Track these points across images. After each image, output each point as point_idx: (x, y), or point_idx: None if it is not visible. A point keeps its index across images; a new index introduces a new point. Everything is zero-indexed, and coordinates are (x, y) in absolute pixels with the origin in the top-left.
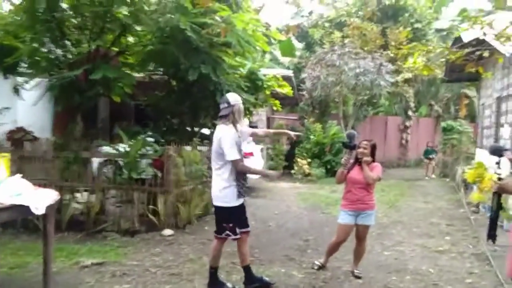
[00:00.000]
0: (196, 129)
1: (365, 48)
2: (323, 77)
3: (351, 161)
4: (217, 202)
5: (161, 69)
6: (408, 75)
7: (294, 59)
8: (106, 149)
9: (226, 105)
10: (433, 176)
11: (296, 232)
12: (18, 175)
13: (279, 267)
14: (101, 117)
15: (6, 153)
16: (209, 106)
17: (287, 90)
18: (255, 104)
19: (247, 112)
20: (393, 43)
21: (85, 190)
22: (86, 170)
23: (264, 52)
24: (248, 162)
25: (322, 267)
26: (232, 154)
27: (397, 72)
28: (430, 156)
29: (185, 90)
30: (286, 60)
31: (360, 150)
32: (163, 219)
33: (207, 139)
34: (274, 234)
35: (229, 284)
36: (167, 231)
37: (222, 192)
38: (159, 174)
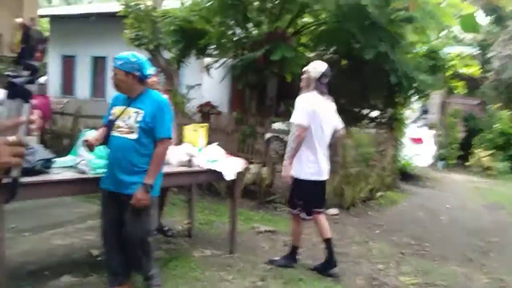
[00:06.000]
0: (365, 110)
1: None
2: None
3: None
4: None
5: (332, 49)
6: None
7: (477, 36)
8: (278, 125)
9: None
10: None
11: (474, 231)
12: (215, 144)
13: (455, 266)
14: (270, 95)
15: (205, 124)
16: (380, 87)
17: (473, 70)
18: (433, 86)
19: (422, 96)
20: None
21: (258, 163)
22: (259, 144)
23: (447, 28)
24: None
25: None
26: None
27: None
28: None
29: (355, 70)
30: (468, 36)
31: None
32: (328, 198)
33: (373, 121)
34: (447, 229)
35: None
36: (332, 210)
37: None
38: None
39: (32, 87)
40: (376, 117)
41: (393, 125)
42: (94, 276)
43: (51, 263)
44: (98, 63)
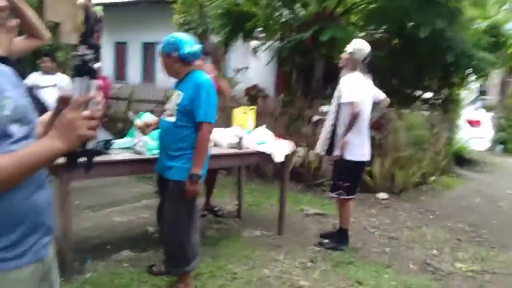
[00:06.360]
0: (418, 92)
1: None
2: None
3: None
4: None
5: (383, 27)
6: None
7: None
8: (325, 107)
9: None
10: None
11: None
12: (263, 126)
13: None
14: (316, 77)
15: (253, 106)
16: (436, 66)
17: None
18: (493, 64)
19: (481, 75)
20: None
21: (306, 146)
22: (306, 127)
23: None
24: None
25: None
26: None
27: None
28: None
29: (408, 49)
30: None
31: None
32: (378, 182)
33: (427, 103)
34: (507, 216)
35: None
36: (382, 195)
37: None
38: (378, 136)
39: (96, 65)
40: (430, 99)
41: (448, 106)
42: (150, 251)
43: (111, 238)
44: (148, 49)
